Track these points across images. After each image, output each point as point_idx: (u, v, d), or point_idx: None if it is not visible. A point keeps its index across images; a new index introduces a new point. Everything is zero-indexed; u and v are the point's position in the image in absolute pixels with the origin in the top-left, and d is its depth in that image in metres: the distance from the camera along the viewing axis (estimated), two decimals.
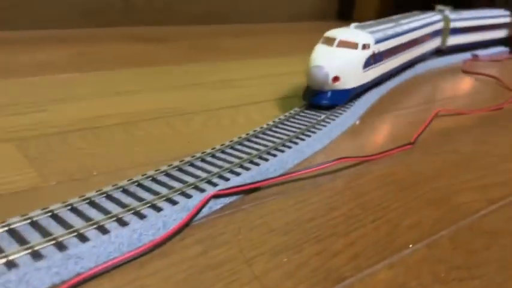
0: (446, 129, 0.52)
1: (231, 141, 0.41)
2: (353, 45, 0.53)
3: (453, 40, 0.88)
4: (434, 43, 0.83)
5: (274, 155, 0.39)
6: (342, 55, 0.52)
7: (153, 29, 0.99)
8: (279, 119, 0.48)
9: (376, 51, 0.56)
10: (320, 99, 0.51)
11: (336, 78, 0.50)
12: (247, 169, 0.37)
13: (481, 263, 0.29)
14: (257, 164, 0.37)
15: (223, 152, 0.39)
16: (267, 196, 0.35)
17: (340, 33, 0.54)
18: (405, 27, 0.68)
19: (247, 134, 0.43)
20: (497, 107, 0.61)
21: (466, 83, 0.75)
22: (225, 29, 1.07)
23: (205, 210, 0.32)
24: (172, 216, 0.30)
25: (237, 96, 0.57)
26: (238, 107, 0.53)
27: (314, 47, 0.52)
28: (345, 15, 1.31)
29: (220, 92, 0.59)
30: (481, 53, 0.93)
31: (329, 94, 0.51)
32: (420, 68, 0.79)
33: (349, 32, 0.55)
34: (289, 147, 0.41)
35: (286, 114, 0.49)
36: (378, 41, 0.57)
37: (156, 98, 0.55)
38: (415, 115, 0.55)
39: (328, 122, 0.48)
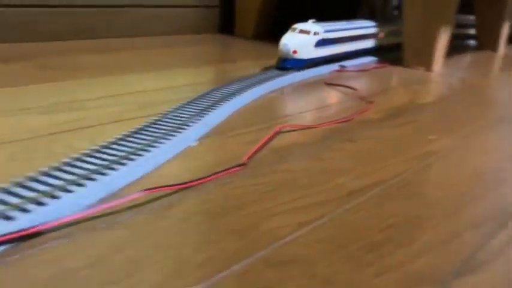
0: (285, 147, 0.50)
1: (26, 176, 0.36)
2: (307, 32, 0.85)
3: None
4: (366, 43, 1.04)
5: (70, 191, 0.35)
6: (299, 37, 0.84)
7: (9, 47, 0.91)
8: (101, 145, 0.43)
9: (325, 37, 0.88)
10: (285, 64, 0.83)
11: (294, 51, 0.82)
12: (27, 211, 0.32)
13: None
14: (42, 204, 0.33)
15: (5, 191, 0.34)
16: (45, 242, 0.30)
17: (301, 25, 0.86)
18: (346, 26, 0.97)
19: (50, 167, 0.38)
20: (346, 119, 0.61)
21: (323, 96, 0.75)
22: (92, 44, 1.01)
23: None
24: None
25: (68, 121, 0.52)
26: (62, 134, 0.48)
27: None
28: (226, 29, 1.31)
29: (49, 116, 0.53)
30: (348, 63, 0.96)
31: (291, 61, 0.83)
32: (282, 81, 0.78)
33: (307, 24, 0.87)
34: (94, 179, 0.37)
35: (113, 139, 0.45)
36: (325, 31, 0.88)
37: None
38: (259, 133, 0.53)
39: (157, 146, 0.45)
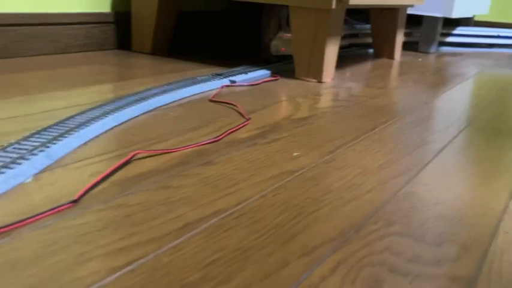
0: (133, 176, 0.47)
1: None
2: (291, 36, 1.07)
3: None
4: None
5: None
6: (286, 39, 1.12)
7: None
8: None
9: None
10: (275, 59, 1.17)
11: (283, 50, 1.12)
12: None
13: None
14: None
15: None
16: None
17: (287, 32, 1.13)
18: None
19: None
20: (213, 140, 0.59)
21: (202, 114, 0.72)
22: None
23: None
24: None
25: None
26: None
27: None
28: (124, 45, 1.27)
29: None
30: (239, 78, 0.95)
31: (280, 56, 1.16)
32: (165, 99, 0.76)
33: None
34: None
35: None
36: None
37: None
38: (110, 162, 0.50)
39: None
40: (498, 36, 1.90)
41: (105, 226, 0.38)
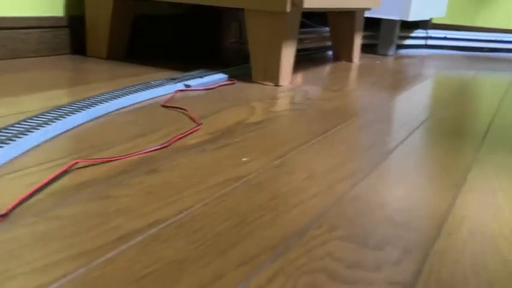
0: (71, 186, 0.45)
1: None
2: None
3: None
4: None
5: None
6: None
7: None
8: None
9: None
10: None
11: None
12: None
13: None
14: None
15: None
16: None
17: None
18: None
19: None
20: (160, 146, 0.58)
21: (153, 120, 0.70)
22: None
23: None
24: None
25: None
26: None
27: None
28: (79, 50, 1.23)
29: None
30: (195, 82, 0.93)
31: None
32: (114, 105, 0.73)
33: None
34: None
35: None
36: None
37: None
38: (49, 172, 0.48)
39: None
40: (455, 39, 1.95)
41: (34, 240, 0.36)
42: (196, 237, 0.38)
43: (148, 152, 0.56)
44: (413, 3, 1.56)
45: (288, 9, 0.94)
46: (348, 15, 1.39)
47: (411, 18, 1.57)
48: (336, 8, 1.15)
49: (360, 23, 1.44)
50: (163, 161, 0.53)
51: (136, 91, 0.82)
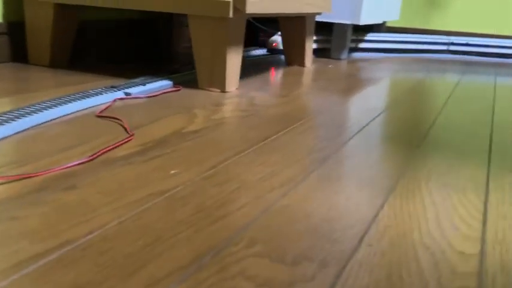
0: None
1: None
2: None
3: None
4: None
5: None
6: (277, 37, 1.66)
7: None
8: None
9: None
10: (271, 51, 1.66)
11: (275, 44, 1.66)
12: None
13: None
14: None
15: None
16: None
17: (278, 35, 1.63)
18: None
19: None
20: (84, 160, 0.55)
21: (84, 132, 0.67)
22: None
23: None
24: None
25: None
26: None
27: None
28: (20, 58, 1.19)
29: None
30: (136, 90, 0.91)
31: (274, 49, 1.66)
32: (44, 117, 0.70)
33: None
34: None
35: None
36: None
37: None
38: None
39: None
40: (407, 42, 1.98)
41: None
42: (103, 259, 0.36)
43: (71, 166, 0.53)
44: (364, 7, 1.58)
45: (231, 14, 0.93)
46: (298, 20, 1.40)
47: (362, 22, 1.59)
48: (283, 13, 1.14)
49: (311, 28, 1.44)
50: (84, 176, 0.51)
51: (72, 101, 0.79)
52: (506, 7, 2.17)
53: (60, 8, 1.11)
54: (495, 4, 2.18)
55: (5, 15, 1.17)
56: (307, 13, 1.32)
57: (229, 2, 0.92)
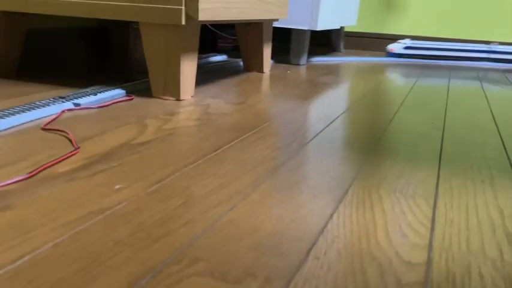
0: None
1: None
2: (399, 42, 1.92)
3: None
4: None
5: None
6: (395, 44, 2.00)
7: None
8: None
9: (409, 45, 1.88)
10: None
11: (392, 49, 2.02)
12: None
13: None
14: None
15: None
16: None
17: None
18: None
19: None
20: (22, 177, 0.52)
21: (26, 146, 0.64)
22: None
23: None
24: None
25: None
26: None
27: None
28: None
29: None
30: (86, 100, 0.88)
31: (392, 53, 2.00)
32: None
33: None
34: None
35: None
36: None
37: None
38: None
39: None
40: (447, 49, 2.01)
41: None
42: (31, 287, 0.34)
43: (7, 185, 0.50)
44: (321, 13, 1.59)
45: (183, 22, 0.91)
46: (255, 26, 1.39)
47: (319, 27, 1.60)
48: (237, 20, 1.14)
49: (268, 34, 1.44)
50: (21, 195, 0.48)
51: (16, 113, 0.76)
52: (460, 10, 2.23)
53: (6, 16, 1.07)
54: (450, 7, 2.24)
55: None
56: (263, 19, 1.32)
57: (181, 9, 0.90)
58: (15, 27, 1.11)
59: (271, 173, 0.60)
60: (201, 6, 0.92)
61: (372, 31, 2.37)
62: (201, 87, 1.14)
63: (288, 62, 1.73)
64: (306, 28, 1.59)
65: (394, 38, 2.32)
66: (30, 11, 1.01)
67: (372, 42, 2.37)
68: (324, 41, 2.43)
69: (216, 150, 0.67)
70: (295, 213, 0.48)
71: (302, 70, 1.57)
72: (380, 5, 2.33)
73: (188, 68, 0.98)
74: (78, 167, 0.57)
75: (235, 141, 0.72)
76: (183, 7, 0.90)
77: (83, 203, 0.47)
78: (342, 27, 2.23)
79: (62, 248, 0.39)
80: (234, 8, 1.07)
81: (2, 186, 0.50)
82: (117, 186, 0.52)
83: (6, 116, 0.73)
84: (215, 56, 1.70)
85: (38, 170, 0.54)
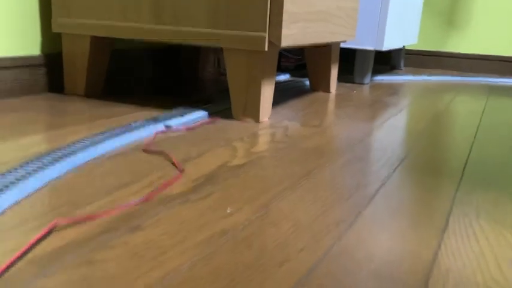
0: (53, 251, 0.44)
1: None
2: None
3: None
4: None
5: None
6: None
7: None
8: None
9: None
10: None
11: None
12: None
13: None
14: None
15: None
16: None
17: None
18: None
19: None
20: (142, 199, 0.57)
21: (133, 168, 0.69)
22: None
23: None
24: None
25: None
26: None
27: None
28: (56, 88, 1.22)
29: None
30: (175, 121, 0.93)
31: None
32: (93, 153, 0.72)
33: None
34: None
35: None
36: None
37: None
38: (30, 234, 0.47)
39: None
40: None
41: None
42: None
43: (129, 206, 0.55)
44: (387, 33, 1.60)
45: (266, 48, 0.95)
46: (324, 47, 1.42)
47: (385, 48, 1.61)
48: (313, 44, 1.17)
49: (336, 55, 1.46)
50: (145, 216, 0.53)
51: (116, 135, 0.81)
52: None
53: (96, 40, 1.15)
54: None
55: (42, 48, 1.20)
56: (334, 42, 1.34)
57: (265, 36, 0.94)
58: (102, 50, 1.19)
59: (368, 200, 0.62)
60: (283, 33, 0.95)
61: (431, 49, 2.35)
62: (274, 108, 1.18)
63: (351, 81, 1.74)
64: (371, 48, 1.60)
65: (454, 56, 2.29)
66: (118, 36, 1.08)
67: (431, 60, 2.35)
68: (385, 59, 2.43)
69: (307, 175, 0.70)
70: (403, 244, 0.50)
71: (366, 90, 1.58)
72: (441, 23, 2.31)
73: (267, 91, 1.02)
74: (188, 189, 0.61)
75: (323, 165, 0.75)
76: (267, 34, 0.94)
77: (202, 224, 0.51)
78: (403, 46, 2.23)
79: (198, 269, 0.43)
80: (310, 32, 1.11)
81: (125, 207, 0.54)
82: (228, 210, 0.56)
83: (109, 138, 0.79)
84: (279, 75, 1.74)
85: (154, 193, 0.59)
